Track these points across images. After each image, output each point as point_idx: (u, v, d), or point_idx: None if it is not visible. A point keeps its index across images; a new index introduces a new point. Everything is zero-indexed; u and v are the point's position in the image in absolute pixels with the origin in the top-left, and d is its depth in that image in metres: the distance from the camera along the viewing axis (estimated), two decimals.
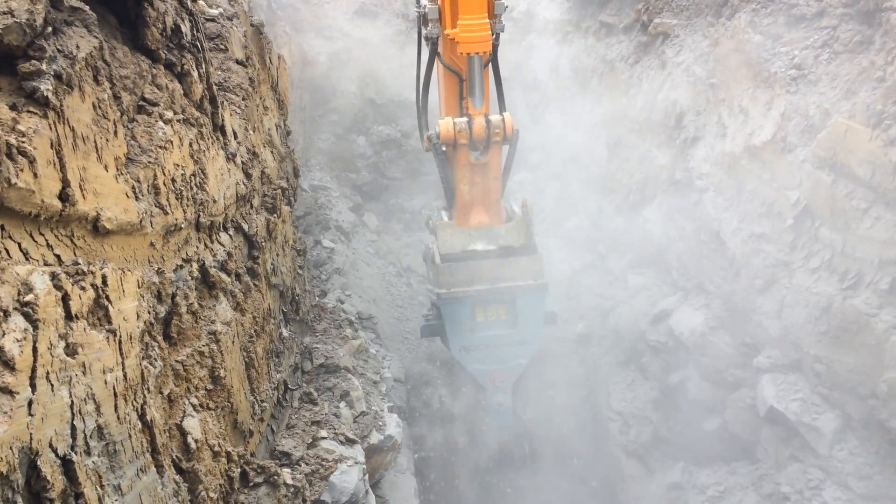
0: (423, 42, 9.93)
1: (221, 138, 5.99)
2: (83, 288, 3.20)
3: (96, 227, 3.49)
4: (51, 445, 2.80)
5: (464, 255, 10.05)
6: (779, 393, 8.63)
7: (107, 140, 3.67)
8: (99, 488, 3.12)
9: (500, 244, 10.09)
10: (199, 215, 5.14)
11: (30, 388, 2.67)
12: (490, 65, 9.69)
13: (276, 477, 5.65)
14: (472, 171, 9.98)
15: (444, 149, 9.74)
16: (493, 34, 9.14)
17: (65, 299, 3.04)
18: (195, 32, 5.37)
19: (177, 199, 4.63)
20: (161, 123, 4.52)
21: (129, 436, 3.51)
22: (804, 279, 8.38)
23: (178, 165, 4.69)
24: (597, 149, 14.92)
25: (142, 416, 3.70)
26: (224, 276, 5.67)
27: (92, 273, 3.31)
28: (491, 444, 11.59)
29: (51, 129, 3.07)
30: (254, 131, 7.67)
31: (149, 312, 4.04)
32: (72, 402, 2.98)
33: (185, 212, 4.78)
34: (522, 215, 10.16)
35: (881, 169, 7.23)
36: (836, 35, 8.59)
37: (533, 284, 10.01)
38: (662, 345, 11.10)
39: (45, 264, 3.03)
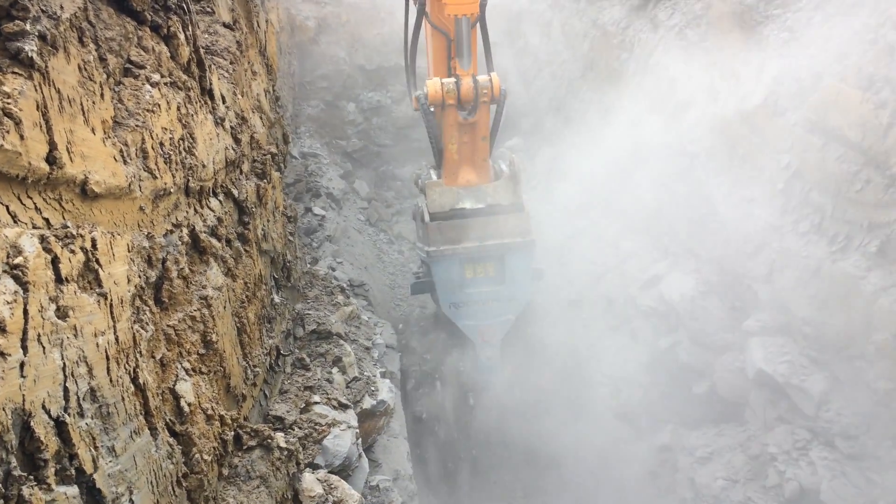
0: (411, 0, 9.92)
1: (209, 102, 5.93)
2: (73, 251, 3.18)
3: (84, 191, 3.46)
4: (44, 407, 2.81)
5: (452, 214, 10.23)
6: (767, 355, 8.72)
7: (93, 103, 3.63)
8: (93, 449, 3.14)
9: (489, 202, 10.28)
10: (188, 180, 5.10)
11: (21, 351, 2.67)
12: (478, 25, 9.67)
13: (269, 440, 5.69)
14: (460, 131, 10.07)
15: (432, 109, 9.78)
16: None
17: (54, 262, 3.02)
18: None
19: (165, 163, 4.59)
20: (148, 86, 4.46)
21: (122, 398, 3.52)
22: (794, 243, 8.42)
23: (165, 129, 4.64)
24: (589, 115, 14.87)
25: (134, 380, 3.71)
26: (214, 241, 5.65)
27: (81, 236, 3.29)
28: (480, 398, 11.87)
29: (36, 90, 3.03)
30: (242, 96, 7.60)
31: (139, 277, 4.03)
32: (64, 364, 2.98)
33: (174, 176, 4.75)
34: (510, 174, 10.28)
35: (872, 132, 7.24)
36: None
37: (521, 241, 10.25)
38: (653, 310, 11.19)
39: (34, 227, 3.01)
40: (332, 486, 6.27)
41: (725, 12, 10.20)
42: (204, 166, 5.46)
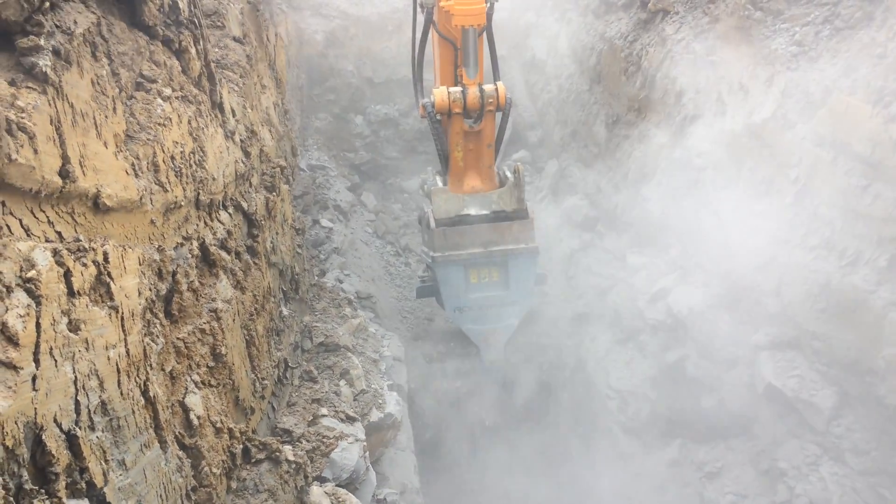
0: (419, 9, 10.05)
1: (220, 116, 5.96)
2: (85, 265, 3.20)
3: (97, 204, 3.48)
4: (55, 420, 2.81)
5: (458, 220, 10.40)
6: (777, 370, 8.66)
7: (106, 117, 3.66)
8: (103, 463, 3.14)
9: (493, 209, 10.45)
10: (198, 193, 5.13)
11: (33, 364, 2.68)
12: (484, 34, 9.79)
13: (277, 453, 5.68)
14: (466, 139, 10.22)
15: (438, 117, 9.91)
16: (487, 3, 9.23)
17: (67, 276, 3.03)
18: (192, 9, 5.33)
19: (176, 176, 4.61)
20: (159, 100, 4.50)
21: (133, 411, 3.52)
22: (803, 257, 8.38)
23: (177, 143, 4.67)
24: (596, 127, 14.89)
25: (144, 393, 3.71)
26: (224, 254, 5.67)
27: (93, 250, 3.30)
28: (484, 399, 11.90)
29: (50, 105, 3.05)
30: (252, 109, 7.63)
31: (150, 290, 4.04)
32: (75, 377, 2.99)
33: (184, 189, 4.77)
34: (514, 181, 10.41)
35: (881, 146, 7.21)
36: (838, 11, 8.54)
37: (524, 248, 10.35)
38: (661, 323, 11.13)
39: (47, 241, 3.03)
40: (340, 499, 6.25)
41: (733, 26, 10.20)
42: (214, 179, 5.48)
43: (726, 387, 9.68)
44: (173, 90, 4.80)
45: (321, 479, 6.64)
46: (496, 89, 9.78)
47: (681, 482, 9.84)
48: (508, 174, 10.72)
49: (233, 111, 6.56)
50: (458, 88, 9.73)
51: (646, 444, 10.78)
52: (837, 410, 8.00)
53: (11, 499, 2.48)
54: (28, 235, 2.91)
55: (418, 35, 10.38)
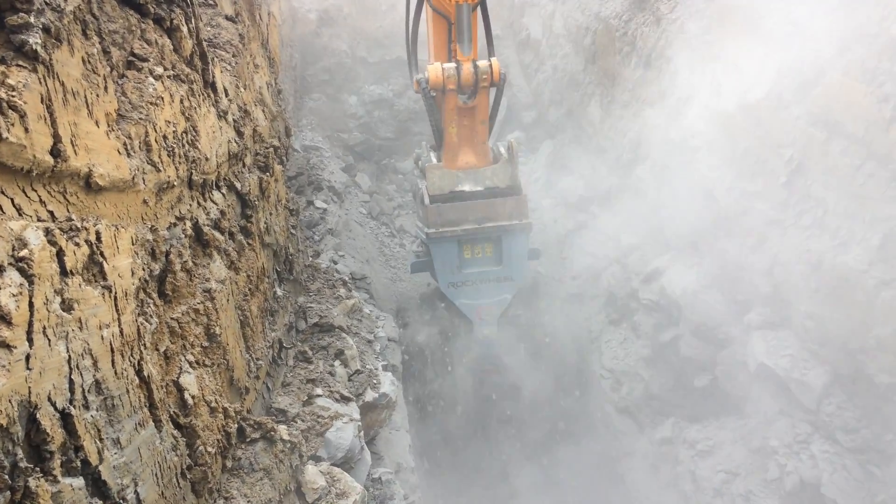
0: None
1: (212, 95, 5.92)
2: (77, 244, 3.19)
3: (89, 184, 3.46)
4: (49, 399, 2.82)
5: (452, 196, 10.46)
6: (769, 349, 8.73)
7: (97, 96, 3.63)
8: (98, 441, 3.15)
9: (487, 185, 10.53)
10: (191, 173, 5.10)
11: (27, 343, 2.68)
12: (478, 10, 9.80)
13: (272, 433, 5.71)
14: (460, 115, 10.27)
15: (433, 93, 9.93)
16: None
17: (59, 255, 3.03)
18: None
19: (169, 156, 4.59)
20: (151, 79, 4.46)
21: (127, 391, 3.53)
22: (796, 237, 8.42)
23: (169, 122, 4.64)
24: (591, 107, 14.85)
25: (139, 372, 3.72)
26: (218, 234, 5.66)
27: (86, 229, 3.30)
28: (477, 376, 12.01)
29: (40, 83, 3.03)
30: (245, 89, 7.59)
31: (143, 269, 4.03)
32: (69, 356, 2.99)
33: (177, 169, 4.75)
34: (508, 157, 10.46)
35: (875, 126, 7.22)
36: None
37: (518, 224, 10.44)
38: (654, 303, 11.19)
39: (39, 220, 3.02)
40: (335, 478, 6.29)
41: (728, 5, 10.17)
42: (207, 159, 5.46)
43: (719, 366, 9.76)
44: (165, 69, 4.76)
45: (316, 459, 6.69)
46: (490, 65, 9.82)
47: (673, 460, 9.94)
48: (503, 150, 10.76)
49: (225, 91, 6.52)
50: (453, 64, 9.75)
51: (639, 423, 10.87)
52: (828, 389, 8.07)
53: (6, 476, 2.49)
54: (20, 214, 2.89)
55: (412, 10, 10.37)
